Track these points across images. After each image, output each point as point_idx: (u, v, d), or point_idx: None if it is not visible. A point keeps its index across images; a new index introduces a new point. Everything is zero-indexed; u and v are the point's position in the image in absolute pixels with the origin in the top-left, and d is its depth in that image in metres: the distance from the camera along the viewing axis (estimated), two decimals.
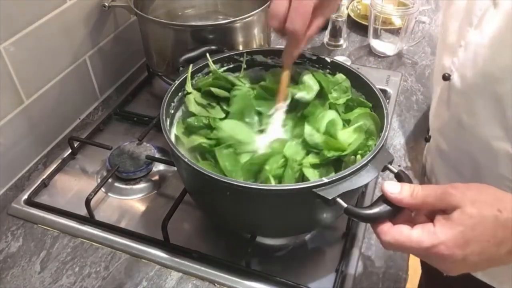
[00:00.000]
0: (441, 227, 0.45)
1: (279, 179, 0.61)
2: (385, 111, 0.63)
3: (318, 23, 0.65)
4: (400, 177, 0.54)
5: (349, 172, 0.53)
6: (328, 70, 0.73)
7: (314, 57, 0.74)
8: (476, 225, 0.44)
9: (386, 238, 0.48)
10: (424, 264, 0.97)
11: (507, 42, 0.55)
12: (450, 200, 0.46)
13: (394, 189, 0.49)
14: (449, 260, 0.46)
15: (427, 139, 0.78)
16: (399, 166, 0.82)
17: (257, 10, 0.84)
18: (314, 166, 0.62)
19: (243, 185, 0.54)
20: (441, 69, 0.69)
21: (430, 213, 0.49)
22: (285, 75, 0.69)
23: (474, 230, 0.44)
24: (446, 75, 0.66)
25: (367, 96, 0.69)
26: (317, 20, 0.65)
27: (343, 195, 0.52)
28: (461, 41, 0.63)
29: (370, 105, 0.68)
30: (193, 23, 1.02)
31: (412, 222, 0.49)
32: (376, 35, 1.10)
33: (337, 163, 0.63)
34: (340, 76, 0.72)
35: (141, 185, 0.80)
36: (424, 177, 0.81)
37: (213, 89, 0.71)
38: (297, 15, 0.61)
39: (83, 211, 0.73)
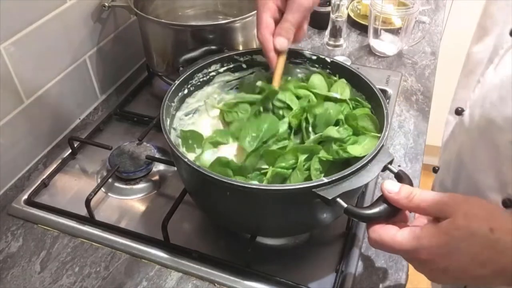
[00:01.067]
0: (427, 233, 0.45)
1: (284, 179, 0.61)
2: (385, 111, 0.63)
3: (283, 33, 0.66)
4: (400, 177, 0.54)
5: (349, 172, 0.53)
6: (328, 70, 0.73)
7: (314, 57, 0.74)
8: (462, 239, 0.43)
9: (372, 235, 0.49)
10: None
11: None
12: (443, 209, 0.45)
13: (393, 188, 0.49)
14: (428, 267, 0.45)
15: (435, 170, 0.77)
16: (399, 166, 0.82)
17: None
18: (323, 164, 0.61)
19: (243, 185, 0.54)
20: (458, 101, 0.67)
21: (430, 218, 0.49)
22: (280, 61, 0.69)
23: (459, 244, 0.43)
24: (459, 109, 0.65)
25: (367, 96, 0.69)
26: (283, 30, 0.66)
27: (343, 195, 0.52)
28: (480, 77, 0.62)
29: (369, 106, 0.68)
30: (193, 23, 1.02)
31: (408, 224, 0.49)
32: (376, 35, 1.09)
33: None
34: (341, 81, 0.72)
35: (141, 185, 0.80)
36: None
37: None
38: (259, 25, 0.66)
39: (83, 211, 0.73)
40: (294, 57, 0.75)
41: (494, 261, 0.43)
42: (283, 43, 0.67)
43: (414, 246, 0.45)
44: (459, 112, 0.65)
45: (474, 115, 0.61)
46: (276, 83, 0.69)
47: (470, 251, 0.43)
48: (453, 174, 0.68)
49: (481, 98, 0.60)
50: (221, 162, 0.60)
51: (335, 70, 0.73)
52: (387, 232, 0.48)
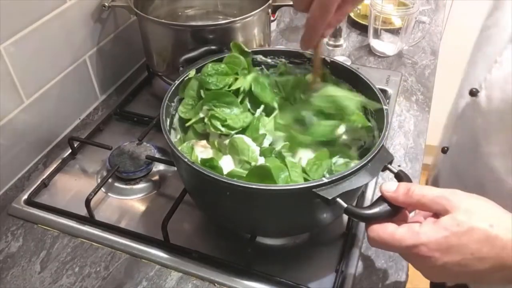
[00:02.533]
0: (426, 228, 0.45)
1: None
2: (385, 111, 0.63)
3: (340, 15, 0.61)
4: (400, 177, 0.54)
5: (349, 172, 0.53)
6: (328, 70, 0.73)
7: None
8: (462, 234, 0.43)
9: (371, 234, 0.48)
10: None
11: None
12: (444, 204, 0.45)
13: (390, 187, 0.49)
14: (427, 263, 0.45)
15: (445, 151, 0.76)
16: (399, 166, 0.82)
17: (257, 10, 0.84)
18: None
19: (243, 185, 0.54)
20: (470, 81, 0.65)
21: (428, 215, 0.49)
22: (317, 56, 0.68)
23: (459, 239, 0.43)
24: (474, 90, 0.63)
25: (367, 96, 0.69)
26: (340, 12, 0.60)
27: (343, 195, 0.52)
28: (497, 57, 0.60)
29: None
30: (193, 23, 1.02)
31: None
32: (376, 35, 1.10)
33: None
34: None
35: (141, 185, 0.80)
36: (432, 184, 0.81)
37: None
38: (318, 8, 0.58)
39: (83, 211, 0.73)
40: (294, 57, 0.75)
41: (494, 257, 0.43)
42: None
43: (413, 242, 0.45)
44: (473, 93, 0.63)
45: (492, 97, 0.59)
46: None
47: (469, 246, 0.43)
48: (466, 156, 0.67)
49: (501, 79, 0.58)
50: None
51: (335, 70, 0.73)
52: (386, 229, 0.47)
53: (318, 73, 0.70)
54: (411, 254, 0.46)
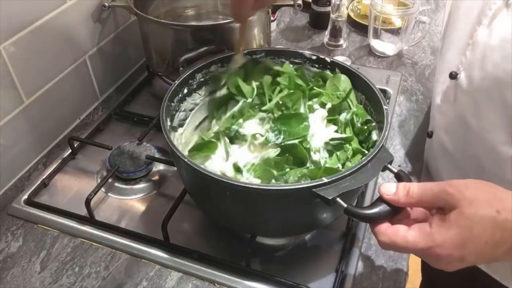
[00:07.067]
0: (438, 229, 0.45)
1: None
2: (385, 111, 0.63)
3: None
4: (400, 177, 0.54)
5: (349, 172, 0.53)
6: (328, 70, 0.73)
7: (314, 57, 0.74)
8: (473, 226, 0.44)
9: (382, 238, 0.48)
10: (424, 268, 0.97)
11: None
12: (447, 199, 0.45)
13: (389, 190, 0.49)
14: (445, 261, 0.45)
15: (429, 135, 0.77)
16: (399, 166, 0.82)
17: None
18: None
19: (243, 185, 0.54)
20: (447, 66, 0.67)
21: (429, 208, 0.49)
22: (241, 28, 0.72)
23: (471, 232, 0.44)
24: (453, 73, 0.65)
25: (367, 96, 0.69)
26: None
27: (343, 195, 0.52)
28: (469, 40, 0.62)
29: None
30: (193, 23, 1.02)
31: (412, 219, 0.49)
32: (376, 35, 1.10)
33: None
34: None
35: (141, 185, 0.80)
36: (426, 175, 0.81)
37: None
38: None
39: (83, 211, 0.73)
40: (294, 57, 0.75)
41: (507, 240, 0.44)
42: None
43: (428, 244, 0.45)
44: (453, 76, 0.65)
45: (472, 77, 0.61)
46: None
47: (482, 236, 0.44)
48: (456, 135, 0.68)
49: (478, 60, 0.60)
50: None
51: (335, 70, 0.73)
52: (397, 233, 0.47)
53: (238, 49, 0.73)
54: (427, 255, 0.46)
